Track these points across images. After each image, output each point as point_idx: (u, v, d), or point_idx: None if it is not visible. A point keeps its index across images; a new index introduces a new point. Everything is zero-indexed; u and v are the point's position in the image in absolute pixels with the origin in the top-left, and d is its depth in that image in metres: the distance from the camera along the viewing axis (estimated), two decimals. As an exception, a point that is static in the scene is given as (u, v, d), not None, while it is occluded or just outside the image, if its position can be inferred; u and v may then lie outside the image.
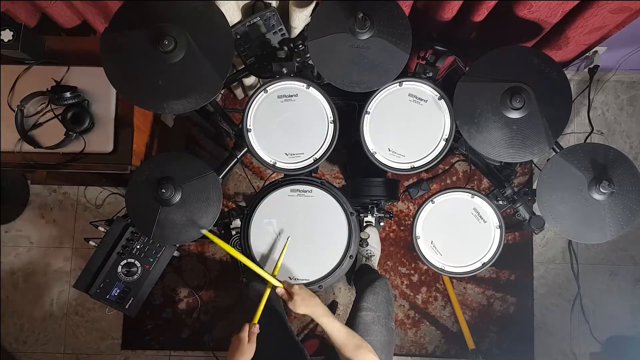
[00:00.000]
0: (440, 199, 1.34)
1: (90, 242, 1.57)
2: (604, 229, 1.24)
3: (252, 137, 1.35)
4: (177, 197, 1.27)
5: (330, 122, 1.34)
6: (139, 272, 1.48)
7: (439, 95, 1.35)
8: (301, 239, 1.37)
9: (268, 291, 1.28)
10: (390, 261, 2.13)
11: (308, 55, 1.33)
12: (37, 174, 2.09)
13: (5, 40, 1.37)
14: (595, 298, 2.16)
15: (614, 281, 2.17)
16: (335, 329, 1.23)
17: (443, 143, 1.34)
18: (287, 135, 1.34)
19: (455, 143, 1.43)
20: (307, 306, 1.23)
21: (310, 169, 1.35)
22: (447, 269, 1.33)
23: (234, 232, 1.76)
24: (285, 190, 1.39)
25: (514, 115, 1.22)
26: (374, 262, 1.95)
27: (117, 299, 1.47)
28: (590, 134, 2.18)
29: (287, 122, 1.35)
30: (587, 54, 1.91)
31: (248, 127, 1.34)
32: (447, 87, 1.34)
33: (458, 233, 1.34)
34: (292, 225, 1.38)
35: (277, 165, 1.34)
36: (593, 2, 1.25)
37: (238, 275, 2.04)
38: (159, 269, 1.51)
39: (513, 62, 1.25)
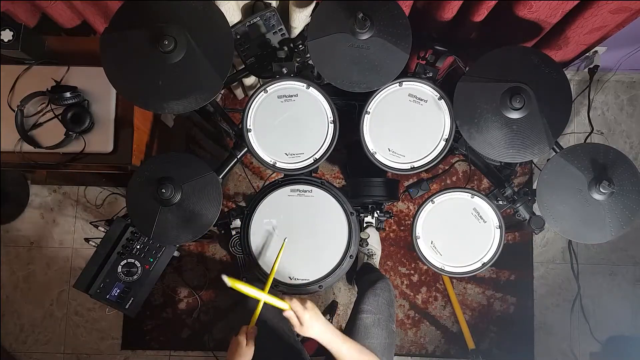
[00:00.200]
0: (440, 199, 1.34)
1: (90, 242, 1.57)
2: (604, 229, 1.24)
3: (252, 137, 1.35)
4: (177, 197, 1.27)
5: (330, 122, 1.34)
6: (139, 272, 1.48)
7: (439, 95, 1.35)
8: (301, 238, 1.37)
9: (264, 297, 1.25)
10: (390, 261, 2.13)
11: (308, 55, 1.33)
12: (37, 174, 2.10)
13: (5, 40, 1.37)
14: (595, 298, 2.16)
15: (614, 281, 2.17)
16: (343, 349, 1.17)
17: (443, 143, 1.34)
18: (287, 135, 1.34)
19: (455, 143, 1.43)
20: (312, 329, 1.15)
21: (310, 169, 1.35)
22: (447, 269, 1.33)
23: (234, 232, 1.76)
24: (285, 190, 1.39)
25: (514, 115, 1.22)
26: (376, 261, 1.95)
27: (117, 299, 1.47)
28: (590, 134, 2.18)
29: (287, 122, 1.35)
30: (587, 54, 1.91)
31: (248, 127, 1.34)
32: (447, 87, 1.34)
33: (458, 233, 1.34)
34: (292, 225, 1.38)
35: (277, 165, 1.34)
36: (593, 2, 1.25)
37: (238, 276, 2.04)
38: (159, 269, 1.51)
39: (513, 62, 1.25)
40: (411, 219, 1.75)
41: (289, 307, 1.12)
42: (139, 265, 1.48)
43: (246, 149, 1.36)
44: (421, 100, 1.35)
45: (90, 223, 1.67)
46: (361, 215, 1.65)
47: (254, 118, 1.35)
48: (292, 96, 1.35)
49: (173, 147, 1.97)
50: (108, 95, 1.45)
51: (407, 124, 1.36)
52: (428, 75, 1.36)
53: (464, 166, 2.16)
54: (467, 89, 1.25)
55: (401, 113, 1.35)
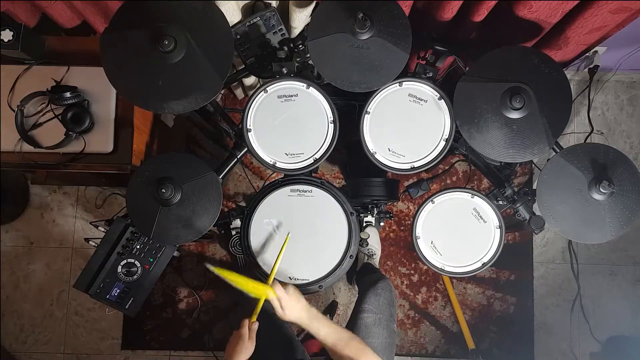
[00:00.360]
0: (440, 199, 1.34)
1: (90, 242, 1.57)
2: (604, 229, 1.24)
3: (252, 137, 1.35)
4: (177, 197, 1.27)
5: (330, 122, 1.34)
6: (139, 272, 1.48)
7: (439, 95, 1.35)
8: (301, 238, 1.37)
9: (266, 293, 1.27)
10: (390, 261, 2.13)
11: (308, 55, 1.33)
12: (37, 174, 2.09)
13: (5, 40, 1.37)
14: (595, 298, 2.16)
15: (614, 281, 2.17)
16: (322, 329, 1.18)
17: (443, 143, 1.34)
18: (287, 135, 1.34)
19: (455, 143, 1.43)
20: (291, 316, 1.19)
21: (310, 169, 1.35)
22: (447, 269, 1.33)
23: (234, 232, 1.76)
24: (285, 190, 1.39)
25: (514, 115, 1.22)
26: (376, 261, 1.95)
27: (117, 299, 1.47)
28: (590, 134, 2.18)
29: (287, 122, 1.35)
30: (587, 54, 1.91)
31: (248, 127, 1.34)
32: (447, 87, 1.34)
33: (458, 233, 1.34)
34: (292, 225, 1.38)
35: (277, 165, 1.34)
36: (593, 2, 1.25)
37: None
38: (159, 269, 1.51)
39: (513, 62, 1.25)
40: (411, 219, 1.75)
41: (272, 292, 1.17)
42: (139, 265, 1.48)
43: (246, 149, 1.36)
44: (421, 100, 1.35)
45: (90, 223, 1.67)
46: (361, 215, 1.65)
47: (254, 118, 1.35)
48: (292, 96, 1.35)
49: (173, 147, 1.97)
50: (108, 95, 1.45)
51: (407, 124, 1.36)
52: (428, 75, 1.36)
53: (464, 166, 2.16)
54: (467, 89, 1.25)
55: (401, 113, 1.35)
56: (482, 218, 1.34)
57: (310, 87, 1.34)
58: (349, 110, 1.53)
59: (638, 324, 2.14)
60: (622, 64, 2.08)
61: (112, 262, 1.47)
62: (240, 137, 1.36)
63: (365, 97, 1.35)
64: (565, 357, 2.14)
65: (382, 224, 2.01)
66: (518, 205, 1.39)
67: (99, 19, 1.54)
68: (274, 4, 1.40)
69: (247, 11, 1.42)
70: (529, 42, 1.51)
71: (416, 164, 1.35)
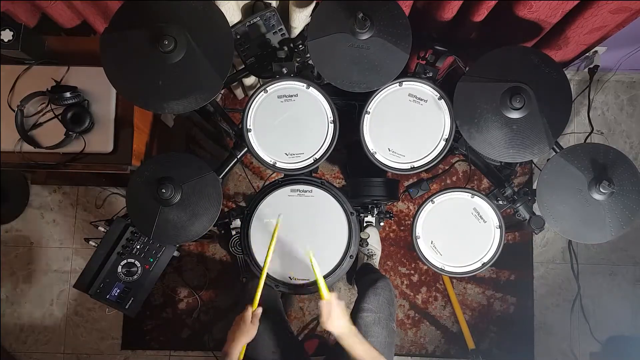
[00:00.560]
0: (440, 199, 1.34)
1: (90, 242, 1.57)
2: (604, 229, 1.24)
3: (252, 137, 1.34)
4: (177, 197, 1.27)
5: (330, 122, 1.34)
6: (139, 272, 1.48)
7: (439, 95, 1.35)
8: (301, 238, 1.37)
9: (264, 275, 1.28)
10: (390, 261, 2.13)
11: (308, 55, 1.33)
12: (37, 174, 2.10)
13: (5, 40, 1.37)
14: (595, 298, 2.16)
15: (614, 281, 2.17)
16: (358, 347, 1.20)
17: (443, 143, 1.34)
18: (287, 135, 1.34)
19: (455, 143, 1.43)
20: (333, 326, 1.20)
21: (310, 169, 1.35)
22: (447, 269, 1.33)
23: (234, 232, 1.77)
24: (285, 190, 1.39)
25: (514, 115, 1.22)
26: (375, 262, 1.95)
27: (117, 299, 1.47)
28: (590, 134, 2.18)
29: (287, 122, 1.35)
30: (587, 54, 1.91)
31: (248, 127, 1.34)
32: (447, 87, 1.34)
33: (458, 233, 1.34)
34: (292, 225, 1.37)
35: (277, 165, 1.34)
36: (593, 2, 1.25)
37: (238, 275, 2.04)
38: (159, 269, 1.51)
39: (513, 62, 1.25)
40: (411, 219, 1.75)
41: (329, 298, 1.20)
42: (139, 265, 1.48)
43: (246, 149, 1.36)
44: (421, 100, 1.35)
45: (90, 223, 1.68)
46: (361, 215, 1.65)
47: (254, 118, 1.35)
48: (292, 96, 1.35)
49: (173, 147, 1.97)
50: (108, 95, 1.45)
51: (407, 124, 1.36)
52: (428, 75, 1.36)
53: (464, 166, 2.16)
54: (467, 89, 1.25)
55: (401, 113, 1.35)
56: (482, 218, 1.34)
57: (310, 87, 1.34)
58: (349, 110, 1.53)
59: (638, 324, 2.14)
60: (622, 64, 2.08)
61: (112, 262, 1.48)
62: (240, 137, 1.36)
63: (365, 97, 1.35)
64: (565, 357, 2.14)
65: (382, 224, 2.01)
66: (518, 205, 1.39)
67: (99, 19, 1.54)
68: (274, 4, 1.40)
69: (247, 11, 1.42)
70: (529, 42, 1.51)
71: (416, 164, 1.35)
